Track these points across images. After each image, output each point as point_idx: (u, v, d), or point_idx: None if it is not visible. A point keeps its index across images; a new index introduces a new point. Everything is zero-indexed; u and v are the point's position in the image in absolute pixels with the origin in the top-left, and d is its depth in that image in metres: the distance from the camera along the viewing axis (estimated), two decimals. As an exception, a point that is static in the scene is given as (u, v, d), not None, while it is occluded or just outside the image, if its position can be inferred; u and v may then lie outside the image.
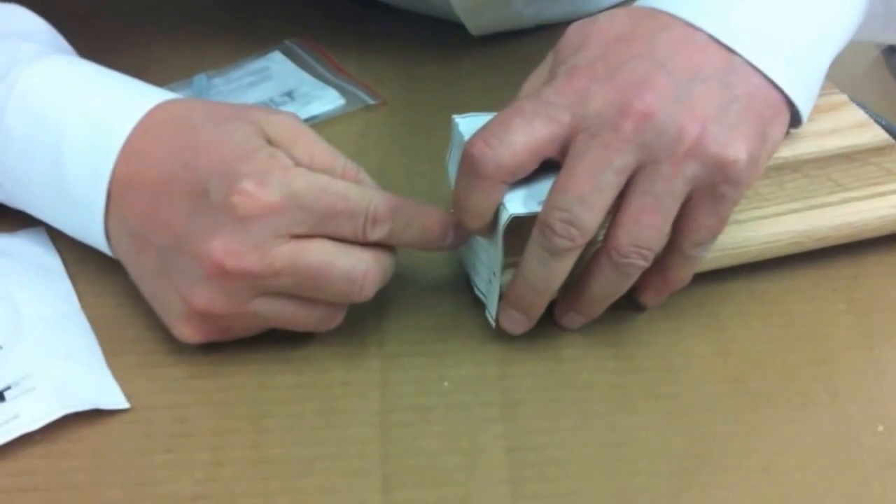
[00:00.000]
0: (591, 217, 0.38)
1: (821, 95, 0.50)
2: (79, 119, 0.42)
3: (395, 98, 0.57)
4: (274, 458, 0.39)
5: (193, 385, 0.42)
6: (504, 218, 0.39)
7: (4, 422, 0.39)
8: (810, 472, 0.40)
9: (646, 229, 0.38)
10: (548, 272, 0.39)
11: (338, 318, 0.42)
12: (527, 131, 0.38)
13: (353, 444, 0.40)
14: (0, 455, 0.38)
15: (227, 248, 0.38)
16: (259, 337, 0.44)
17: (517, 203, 0.39)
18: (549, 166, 0.39)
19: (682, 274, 0.42)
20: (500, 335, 0.44)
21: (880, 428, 0.41)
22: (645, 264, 0.39)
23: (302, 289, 0.40)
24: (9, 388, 0.40)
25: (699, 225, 0.39)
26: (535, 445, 0.40)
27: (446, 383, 0.42)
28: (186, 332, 0.41)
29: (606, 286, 0.41)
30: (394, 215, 0.40)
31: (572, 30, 0.41)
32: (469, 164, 0.39)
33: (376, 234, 0.40)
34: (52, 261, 0.46)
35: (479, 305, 0.44)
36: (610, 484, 0.39)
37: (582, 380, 0.43)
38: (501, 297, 0.42)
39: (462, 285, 0.46)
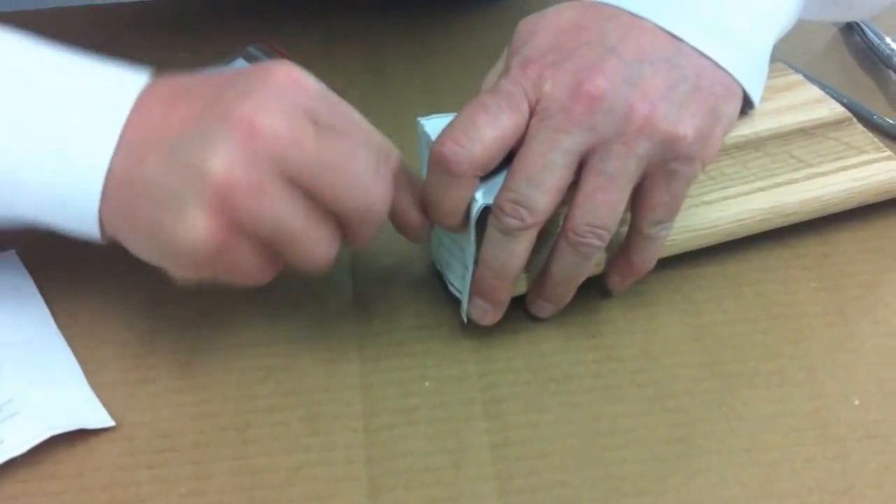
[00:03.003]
0: (540, 197, 0.38)
1: (777, 76, 0.52)
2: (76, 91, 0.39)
3: (363, 99, 0.56)
4: (259, 468, 0.39)
5: (174, 399, 0.42)
6: (475, 209, 0.40)
7: (-12, 449, 0.38)
8: (791, 449, 0.40)
9: (600, 208, 0.39)
10: (504, 254, 0.40)
11: (333, 249, 0.39)
12: (493, 125, 0.39)
13: (339, 449, 0.40)
14: (-17, 481, 0.38)
15: (259, 105, 0.36)
16: (238, 346, 0.44)
17: (486, 194, 0.40)
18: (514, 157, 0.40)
19: (645, 255, 0.43)
20: (479, 332, 0.44)
21: (856, 401, 0.42)
22: (601, 244, 0.40)
23: (322, 180, 0.37)
24: (-11, 414, 0.40)
25: (655, 203, 0.40)
26: (520, 440, 0.40)
27: (428, 383, 0.43)
28: (199, 224, 0.36)
29: (567, 268, 0.41)
30: (400, 163, 0.40)
31: (523, 24, 0.42)
32: (441, 164, 0.39)
33: (389, 168, 0.39)
34: (24, 283, 0.45)
35: (457, 303, 0.44)
36: (596, 474, 0.39)
37: (563, 372, 0.43)
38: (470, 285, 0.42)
39: (437, 284, 0.46)
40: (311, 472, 0.39)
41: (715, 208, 0.46)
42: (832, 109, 0.49)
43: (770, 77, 0.45)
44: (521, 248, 0.40)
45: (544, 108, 0.39)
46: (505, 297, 0.42)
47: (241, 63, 0.59)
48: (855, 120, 0.50)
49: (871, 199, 0.48)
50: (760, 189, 0.47)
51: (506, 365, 0.43)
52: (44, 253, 0.47)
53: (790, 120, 0.48)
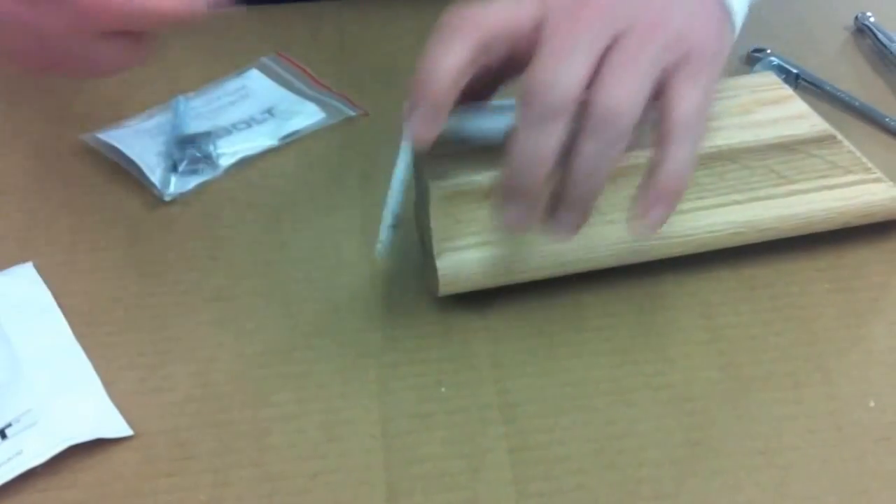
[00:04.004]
0: (568, 79, 0.38)
1: (767, 90, 0.50)
2: None
3: (375, 107, 0.57)
4: (277, 475, 0.40)
5: (191, 408, 0.42)
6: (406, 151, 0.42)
7: (7, 459, 0.39)
8: (806, 451, 0.40)
9: (621, 86, 0.38)
10: (540, 141, 0.38)
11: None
12: (505, 6, 0.40)
13: (356, 455, 0.40)
14: (3, 492, 0.38)
15: None
16: (255, 354, 0.44)
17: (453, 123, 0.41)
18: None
19: (671, 169, 0.39)
20: (494, 337, 0.44)
21: (872, 403, 0.42)
22: (623, 126, 0.38)
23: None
24: (10, 425, 0.40)
25: (682, 97, 0.39)
26: (537, 444, 0.41)
27: (444, 389, 0.43)
28: None
29: (588, 161, 0.39)
30: None
31: None
32: (453, 23, 0.39)
33: None
34: (42, 295, 0.46)
35: (473, 309, 0.45)
36: (612, 477, 0.39)
37: (578, 376, 0.43)
38: (498, 191, 0.40)
39: (453, 290, 0.46)
40: (329, 478, 0.39)
41: (688, 217, 0.46)
42: (813, 126, 0.48)
43: (760, 90, 0.44)
44: (555, 134, 0.38)
45: (562, 5, 0.39)
46: (539, 197, 0.40)
47: (254, 73, 0.59)
48: (840, 138, 0.48)
49: (856, 221, 0.47)
50: (736, 202, 0.47)
51: (521, 369, 0.43)
52: (60, 264, 0.47)
53: (768, 134, 0.47)
